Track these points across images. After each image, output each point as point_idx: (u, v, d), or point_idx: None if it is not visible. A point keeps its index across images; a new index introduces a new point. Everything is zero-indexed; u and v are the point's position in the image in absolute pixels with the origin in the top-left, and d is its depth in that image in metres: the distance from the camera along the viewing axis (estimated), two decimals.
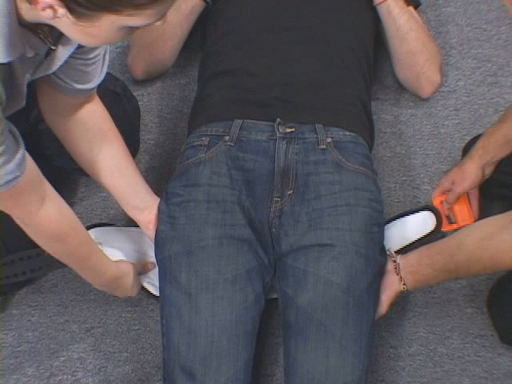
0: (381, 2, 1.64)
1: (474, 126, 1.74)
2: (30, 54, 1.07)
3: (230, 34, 1.55)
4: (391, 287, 1.40)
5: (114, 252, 1.46)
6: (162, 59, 1.76)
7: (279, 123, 1.42)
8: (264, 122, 1.43)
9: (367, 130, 1.53)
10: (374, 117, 1.63)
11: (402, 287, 1.39)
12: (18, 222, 1.21)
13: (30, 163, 1.14)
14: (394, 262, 1.40)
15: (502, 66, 1.82)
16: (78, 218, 1.63)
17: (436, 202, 1.59)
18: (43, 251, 1.33)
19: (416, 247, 1.45)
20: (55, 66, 1.17)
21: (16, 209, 1.17)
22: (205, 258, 1.33)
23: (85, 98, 1.32)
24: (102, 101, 1.38)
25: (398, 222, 1.53)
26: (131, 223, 1.51)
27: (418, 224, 1.52)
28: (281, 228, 1.38)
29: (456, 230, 1.44)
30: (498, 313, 1.53)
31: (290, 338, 1.35)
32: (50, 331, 1.57)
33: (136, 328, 1.57)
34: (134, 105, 1.58)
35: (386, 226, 1.50)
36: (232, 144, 1.42)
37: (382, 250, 1.42)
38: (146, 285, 1.50)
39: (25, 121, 1.36)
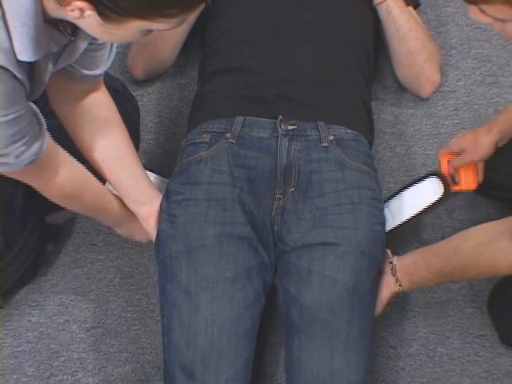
0: (380, 2, 1.64)
1: (474, 126, 1.74)
2: (55, 50, 1.09)
3: (231, 32, 1.55)
4: (387, 288, 1.40)
5: None
6: (162, 59, 1.76)
7: (281, 120, 1.42)
8: (266, 119, 1.43)
9: (368, 128, 1.53)
10: (374, 117, 1.63)
11: (397, 288, 1.39)
12: (35, 188, 1.28)
13: (47, 137, 1.19)
14: (391, 263, 1.39)
15: (502, 66, 1.82)
16: (77, 217, 1.64)
17: (443, 160, 1.55)
18: None
19: (426, 215, 1.45)
20: (76, 56, 1.19)
21: (34, 180, 1.25)
22: (205, 256, 1.33)
23: (92, 84, 1.33)
24: None
25: (405, 193, 1.50)
26: None
27: (427, 191, 1.49)
28: (283, 225, 1.38)
29: (458, 192, 1.45)
30: (498, 313, 1.53)
31: (293, 336, 1.34)
32: (49, 331, 1.57)
33: (136, 328, 1.57)
34: (133, 103, 1.59)
35: (394, 198, 1.49)
36: (233, 141, 1.41)
37: (383, 250, 1.42)
38: None
39: None
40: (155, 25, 1.00)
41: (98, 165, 1.40)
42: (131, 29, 1.01)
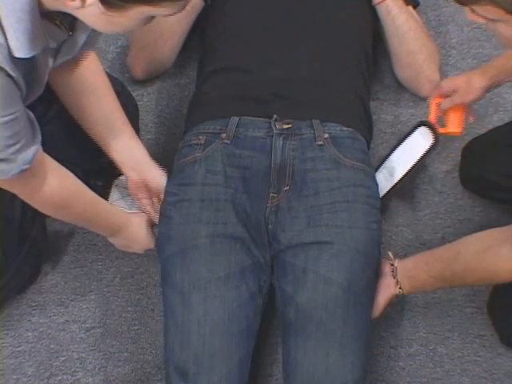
0: (379, 2, 1.64)
1: (474, 126, 1.74)
2: (53, 45, 1.08)
3: (229, 31, 1.55)
4: (387, 290, 1.39)
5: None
6: (161, 59, 1.76)
7: (276, 120, 1.42)
8: (261, 119, 1.42)
9: (365, 126, 1.52)
10: (374, 117, 1.63)
11: (397, 291, 1.39)
12: (22, 198, 1.24)
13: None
14: (392, 265, 1.39)
15: None
16: None
17: (433, 102, 1.55)
18: None
19: (423, 165, 1.46)
20: (75, 50, 1.18)
21: (21, 188, 1.21)
22: (197, 257, 1.33)
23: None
24: None
25: (398, 149, 1.51)
26: None
27: (419, 142, 1.49)
28: (277, 224, 1.38)
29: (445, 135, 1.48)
30: (498, 314, 1.53)
31: (289, 336, 1.34)
32: (49, 331, 1.57)
33: (136, 328, 1.57)
34: (133, 103, 1.59)
35: (389, 158, 1.50)
36: (228, 141, 1.41)
37: (379, 248, 1.42)
38: None
39: None
40: (159, 10, 0.98)
41: (85, 127, 1.40)
42: (134, 16, 0.99)
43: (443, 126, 1.55)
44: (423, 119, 1.54)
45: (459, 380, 1.51)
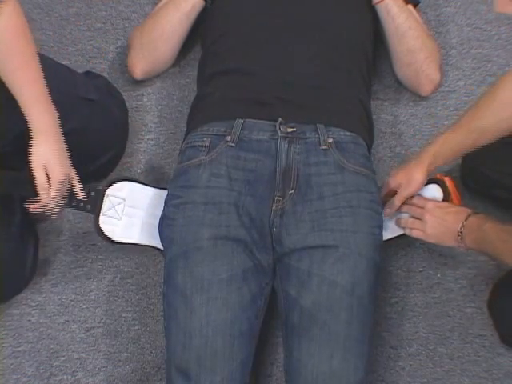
0: (379, 2, 1.64)
1: None
2: None
3: (230, 33, 1.55)
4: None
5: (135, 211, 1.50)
6: (161, 59, 1.76)
7: (281, 123, 1.42)
8: (265, 122, 1.42)
9: (367, 131, 1.52)
10: (374, 117, 1.62)
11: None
12: None
13: None
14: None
15: (502, 66, 1.81)
16: (78, 217, 1.63)
17: (384, 200, 1.50)
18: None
19: None
20: None
21: None
22: (200, 258, 1.34)
23: None
24: (80, 111, 1.39)
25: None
26: None
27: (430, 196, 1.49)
28: (282, 227, 1.38)
29: None
30: (498, 313, 1.53)
31: (292, 338, 1.35)
32: (49, 331, 1.57)
33: (136, 328, 1.57)
34: (118, 98, 1.56)
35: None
36: (233, 144, 1.41)
37: (380, 253, 1.42)
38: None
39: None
40: None
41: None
42: None
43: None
44: (433, 177, 1.50)
45: (459, 380, 1.51)
